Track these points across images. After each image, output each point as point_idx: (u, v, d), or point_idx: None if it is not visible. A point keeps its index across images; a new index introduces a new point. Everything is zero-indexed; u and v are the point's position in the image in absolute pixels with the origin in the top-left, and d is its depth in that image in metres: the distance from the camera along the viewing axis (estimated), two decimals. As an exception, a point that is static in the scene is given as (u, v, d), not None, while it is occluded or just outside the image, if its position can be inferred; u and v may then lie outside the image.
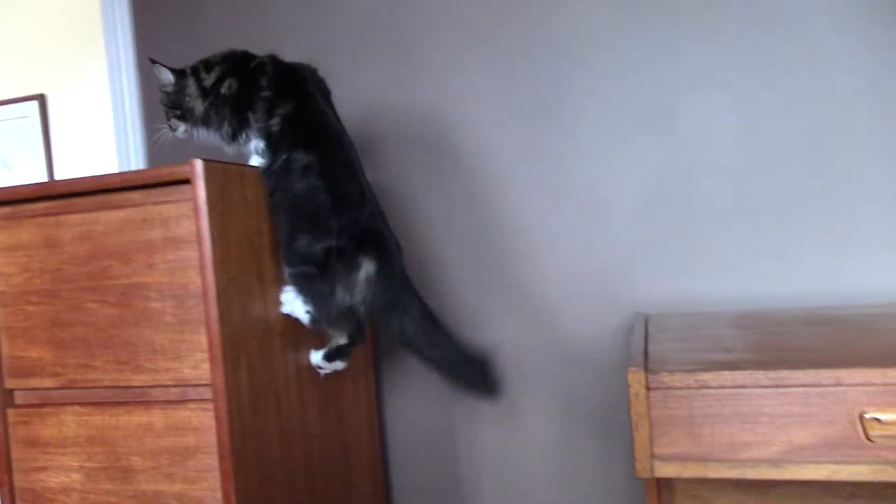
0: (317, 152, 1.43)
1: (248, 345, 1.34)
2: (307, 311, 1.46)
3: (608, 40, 1.71)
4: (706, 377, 0.99)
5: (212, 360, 1.28)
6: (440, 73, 1.83)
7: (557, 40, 1.74)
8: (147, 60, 2.05)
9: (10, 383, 1.42)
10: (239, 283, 1.33)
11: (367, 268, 1.46)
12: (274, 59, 1.51)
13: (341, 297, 1.45)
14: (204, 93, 1.51)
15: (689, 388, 1.00)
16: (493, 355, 1.67)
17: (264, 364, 1.39)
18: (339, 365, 1.56)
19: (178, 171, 1.28)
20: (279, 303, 1.45)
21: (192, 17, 2.03)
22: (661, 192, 1.69)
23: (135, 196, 1.33)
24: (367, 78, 1.87)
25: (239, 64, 1.51)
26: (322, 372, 1.56)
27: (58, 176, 3.66)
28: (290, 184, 1.42)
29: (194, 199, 1.26)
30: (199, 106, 1.51)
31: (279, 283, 1.45)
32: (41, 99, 3.68)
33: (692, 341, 1.23)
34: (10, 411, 1.42)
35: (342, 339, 1.52)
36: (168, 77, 1.53)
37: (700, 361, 1.06)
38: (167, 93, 1.54)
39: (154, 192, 1.32)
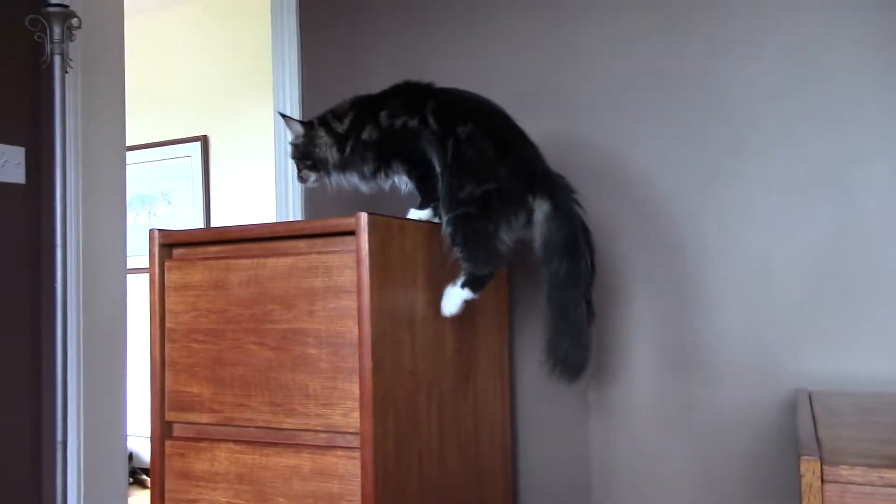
0: (471, 121, 1.49)
1: (397, 395, 1.36)
2: (462, 285, 1.46)
3: (781, 100, 1.65)
4: (893, 475, 0.91)
5: (362, 409, 1.29)
6: (603, 127, 1.82)
7: (727, 98, 1.70)
8: (311, 109, 2.14)
9: (170, 416, 1.49)
10: (392, 335, 1.35)
11: (541, 208, 1.47)
12: (397, 89, 1.60)
13: (504, 236, 1.45)
14: (339, 139, 1.58)
15: (872, 484, 0.92)
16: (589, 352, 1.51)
17: (409, 415, 1.39)
18: (476, 295, 1.51)
19: (343, 223, 1.32)
20: (427, 351, 1.46)
21: (356, 65, 2.11)
22: (831, 260, 1.60)
23: (301, 245, 1.39)
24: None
25: (370, 110, 1.58)
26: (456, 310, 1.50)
27: (214, 213, 3.87)
28: (461, 153, 1.47)
29: (357, 251, 1.30)
30: (333, 154, 1.58)
31: (429, 335, 1.46)
32: (204, 140, 3.93)
33: (868, 430, 1.14)
34: (168, 442, 1.49)
35: (484, 271, 1.49)
36: (298, 129, 1.61)
37: (883, 455, 0.98)
38: (297, 145, 1.62)
39: (319, 241, 1.37)
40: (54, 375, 2.11)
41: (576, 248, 1.48)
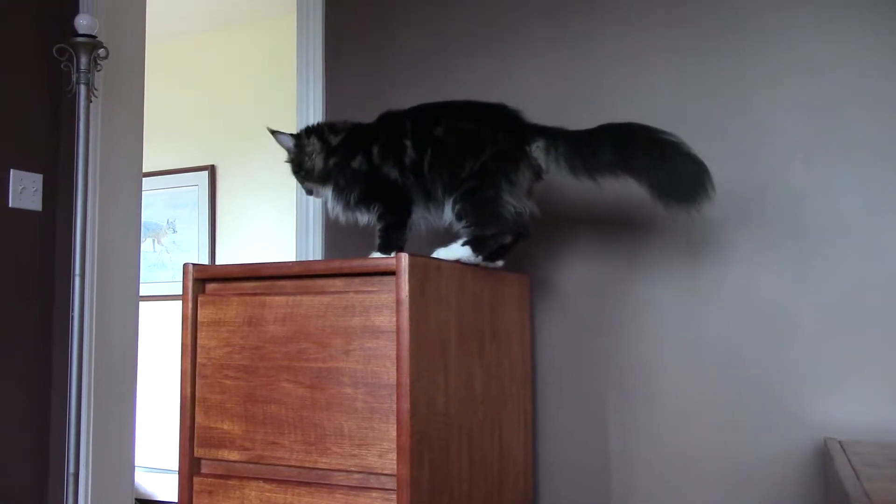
0: (444, 118, 1.57)
1: (431, 437, 1.35)
2: (463, 244, 1.48)
3: (804, 150, 1.68)
4: (951, 533, 0.91)
5: (399, 450, 1.29)
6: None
7: (751, 147, 1.72)
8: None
9: (199, 452, 1.47)
10: (428, 376, 1.35)
11: (539, 147, 1.52)
12: (382, 120, 1.66)
13: (508, 198, 1.49)
14: (328, 151, 1.64)
15: (929, 542, 0.92)
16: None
17: (442, 458, 1.39)
18: (499, 263, 1.58)
19: (383, 263, 1.32)
20: (459, 392, 1.45)
21: (380, 95, 2.12)
22: (854, 309, 1.61)
23: (338, 283, 1.38)
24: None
25: (363, 139, 1.64)
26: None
27: (220, 243, 3.86)
28: (445, 143, 1.54)
29: (397, 292, 1.30)
30: (318, 162, 1.64)
31: (461, 376, 1.46)
32: (211, 169, 3.93)
33: (912, 484, 1.15)
34: (196, 479, 1.47)
35: (506, 238, 1.53)
36: (287, 141, 1.66)
37: (936, 512, 0.98)
38: (291, 159, 1.68)
39: (357, 280, 1.37)
40: (68, 407, 2.09)
41: (591, 135, 1.51)
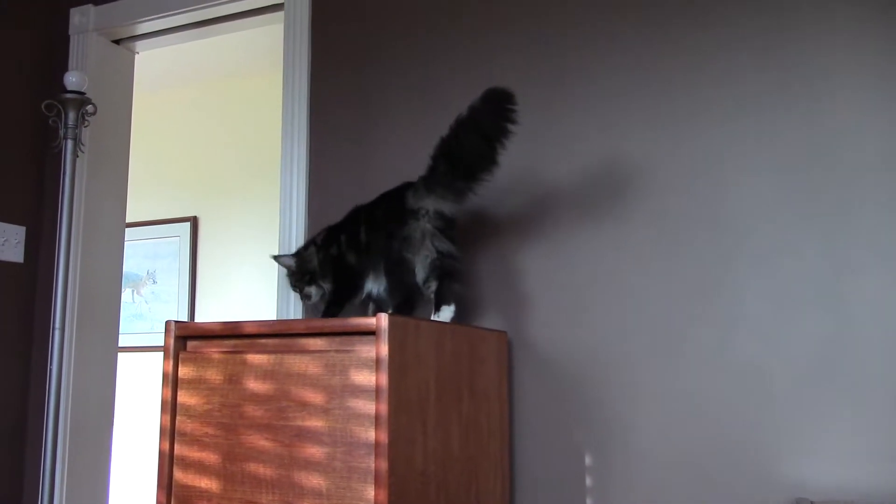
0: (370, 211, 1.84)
1: (409, 497, 1.36)
2: (448, 305, 1.66)
3: (776, 212, 1.73)
4: None
5: (376, 511, 1.29)
6: (600, 238, 1.87)
7: (723, 209, 1.77)
8: (316, 198, 2.19)
9: (176, 511, 1.47)
10: (406, 435, 1.36)
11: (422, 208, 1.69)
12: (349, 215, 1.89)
13: (395, 243, 1.68)
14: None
15: None
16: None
17: (420, 517, 1.39)
18: (447, 310, 1.69)
19: (363, 324, 1.35)
20: (437, 451, 1.46)
21: (364, 159, 2.17)
22: (826, 369, 1.64)
23: (319, 342, 1.40)
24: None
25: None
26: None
27: (200, 295, 3.86)
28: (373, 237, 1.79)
29: (377, 352, 1.32)
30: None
31: (438, 435, 1.47)
32: (193, 221, 3.94)
33: (879, 546, 1.17)
34: (173, 539, 1.46)
35: (434, 285, 1.68)
36: (289, 261, 1.91)
37: (902, 576, 1.00)
38: (292, 272, 1.91)
39: (337, 340, 1.39)
40: (42, 463, 2.07)
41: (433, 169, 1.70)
